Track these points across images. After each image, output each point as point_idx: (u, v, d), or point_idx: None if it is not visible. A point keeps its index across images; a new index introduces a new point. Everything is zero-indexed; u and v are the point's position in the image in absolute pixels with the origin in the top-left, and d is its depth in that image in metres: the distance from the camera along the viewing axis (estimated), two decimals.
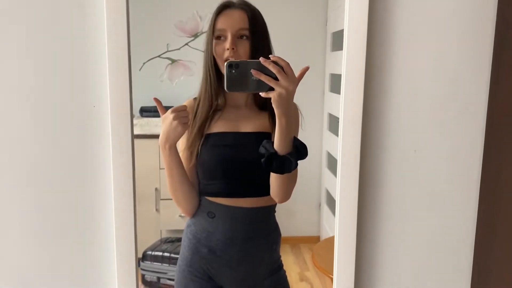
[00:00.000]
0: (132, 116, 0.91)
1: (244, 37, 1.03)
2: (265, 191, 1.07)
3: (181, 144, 1.10)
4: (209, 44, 1.06)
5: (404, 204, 1.00)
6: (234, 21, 1.03)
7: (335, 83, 1.56)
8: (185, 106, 1.02)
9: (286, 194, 1.06)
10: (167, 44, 1.36)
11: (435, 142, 0.98)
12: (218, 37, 1.04)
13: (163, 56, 1.36)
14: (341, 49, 1.49)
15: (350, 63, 0.90)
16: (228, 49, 1.02)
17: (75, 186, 0.93)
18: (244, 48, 1.03)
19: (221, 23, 1.04)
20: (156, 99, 1.00)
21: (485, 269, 1.01)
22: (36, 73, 0.89)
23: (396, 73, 0.94)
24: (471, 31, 0.95)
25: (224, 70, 0.87)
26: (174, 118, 1.00)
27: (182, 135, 1.02)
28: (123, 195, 0.91)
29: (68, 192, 0.93)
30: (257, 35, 1.04)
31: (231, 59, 0.92)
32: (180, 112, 1.00)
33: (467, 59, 0.96)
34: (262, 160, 0.95)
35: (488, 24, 0.94)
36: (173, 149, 1.05)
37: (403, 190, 0.99)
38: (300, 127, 1.08)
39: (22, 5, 0.86)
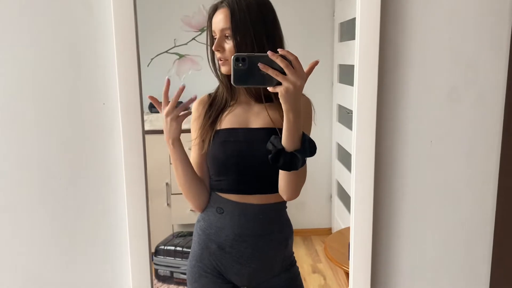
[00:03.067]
0: (142, 113, 0.91)
1: (228, 37, 1.01)
2: (274, 188, 1.06)
3: (193, 134, 1.11)
4: (207, 44, 1.07)
5: (421, 197, 0.97)
6: (219, 22, 1.02)
7: (344, 73, 1.55)
8: (175, 100, 1.01)
9: (294, 191, 1.04)
10: (175, 39, 1.36)
11: (452, 133, 0.95)
12: (214, 38, 1.04)
13: (170, 51, 1.36)
14: (349, 39, 1.47)
15: (363, 53, 0.88)
16: (213, 50, 1.03)
17: (87, 185, 0.93)
18: (229, 47, 1.01)
19: (213, 25, 1.04)
20: (150, 97, 1.01)
21: (504, 263, 0.99)
22: (45, 72, 0.89)
23: (410, 62, 0.92)
24: (488, 19, 0.92)
25: (231, 64, 0.86)
26: (166, 115, 1.01)
27: (180, 128, 1.03)
28: (135, 192, 0.91)
29: (79, 190, 0.94)
30: (238, 32, 1.00)
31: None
32: (170, 109, 1.00)
33: (484, 47, 0.93)
34: (269, 156, 0.94)
35: (505, 11, 0.91)
36: (176, 143, 1.05)
37: (420, 182, 0.97)
38: (313, 121, 1.07)
39: (30, 4, 0.87)
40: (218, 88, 1.10)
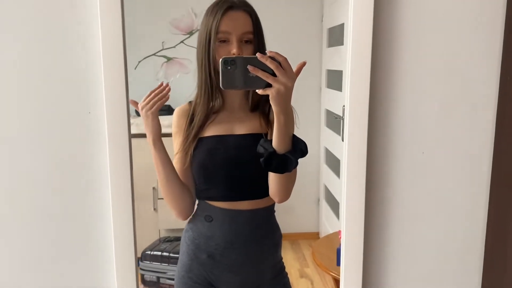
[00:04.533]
0: (129, 120, 0.90)
1: (248, 42, 0.99)
2: (264, 192, 1.05)
3: (176, 147, 1.09)
4: (207, 47, 1.00)
5: (412, 207, 0.98)
6: (239, 24, 0.98)
7: (332, 79, 1.55)
8: (150, 93, 0.99)
9: (286, 193, 1.03)
10: (163, 42, 1.35)
11: (444, 144, 0.95)
12: (222, 41, 0.99)
13: (158, 54, 1.36)
14: (337, 44, 1.48)
15: (355, 62, 0.87)
16: (234, 54, 0.98)
17: (73, 192, 0.92)
18: (248, 53, 0.98)
19: (225, 26, 0.98)
20: (132, 101, 0.99)
21: (495, 271, 0.99)
22: (31, 80, 0.87)
23: (403, 73, 0.92)
24: (480, 31, 0.92)
25: (220, 67, 0.84)
26: (141, 108, 0.99)
27: (158, 122, 1.01)
28: (121, 199, 0.89)
29: (66, 197, 0.92)
30: (260, 38, 1.01)
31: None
32: (145, 102, 0.98)
33: (476, 58, 0.93)
34: (261, 159, 0.93)
35: (497, 23, 0.92)
36: (158, 143, 1.02)
37: (411, 193, 0.97)
38: (295, 125, 1.06)
39: (15, 10, 0.85)
40: (200, 95, 1.06)
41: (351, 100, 0.89)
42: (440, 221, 0.97)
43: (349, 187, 0.91)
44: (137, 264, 0.93)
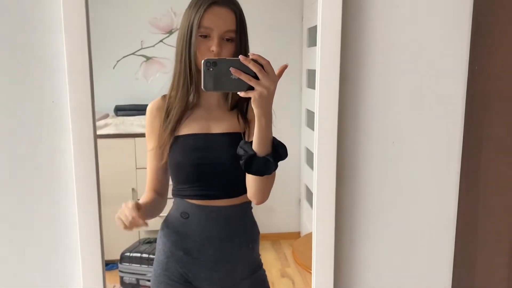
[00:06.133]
0: (94, 117, 0.86)
1: (230, 40, 0.98)
2: (240, 191, 1.05)
3: (151, 143, 1.07)
4: (188, 40, 0.99)
5: (383, 197, 0.99)
6: (221, 21, 0.97)
7: (312, 78, 1.56)
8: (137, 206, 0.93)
9: (264, 195, 1.03)
10: (141, 41, 1.33)
11: (414, 134, 0.97)
12: (202, 35, 0.98)
13: (137, 53, 1.34)
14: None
15: (324, 56, 0.89)
16: (213, 50, 0.97)
17: (36, 187, 0.88)
18: (229, 51, 0.97)
19: (207, 21, 0.97)
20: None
21: (465, 263, 1.02)
22: None
23: (372, 65, 0.93)
24: (449, 21, 0.94)
25: (201, 68, 0.84)
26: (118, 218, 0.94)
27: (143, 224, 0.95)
28: (87, 197, 0.86)
29: (28, 194, 0.89)
30: (242, 37, 0.99)
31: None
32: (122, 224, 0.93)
33: (444, 49, 0.95)
34: (241, 162, 0.93)
35: (466, 13, 0.94)
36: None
37: (382, 183, 0.98)
38: (273, 125, 1.06)
39: None
40: (176, 88, 1.03)
41: (321, 95, 0.90)
42: (411, 211, 1.00)
43: (319, 181, 0.92)
44: (104, 270, 0.90)
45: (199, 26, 0.97)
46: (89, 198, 0.86)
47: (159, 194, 1.08)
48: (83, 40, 0.82)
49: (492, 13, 0.91)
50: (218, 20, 0.97)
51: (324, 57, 0.88)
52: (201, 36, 0.97)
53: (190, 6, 1.00)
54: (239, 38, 0.98)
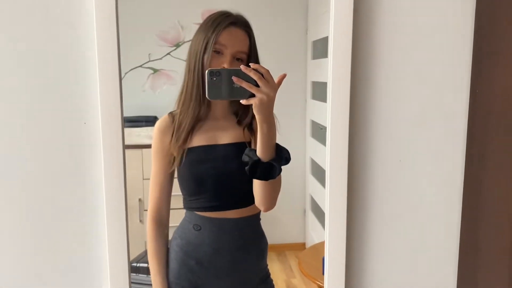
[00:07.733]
0: (123, 130, 0.91)
1: (240, 60, 1.03)
2: (250, 200, 1.07)
3: (159, 161, 1.09)
4: (202, 54, 1.03)
5: (390, 213, 1.02)
6: (236, 40, 1.03)
7: (317, 90, 1.58)
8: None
9: (271, 202, 1.06)
10: (149, 54, 1.36)
11: (419, 151, 1.01)
12: (216, 51, 1.03)
13: (145, 66, 1.36)
14: (322, 57, 1.51)
15: (335, 73, 0.92)
16: (224, 66, 1.01)
17: (67, 203, 0.93)
18: None
19: (223, 39, 1.02)
20: None
21: (470, 274, 1.02)
22: (26, 90, 0.89)
23: (381, 85, 0.97)
24: (452, 45, 0.98)
25: (206, 78, 0.89)
26: None
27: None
28: (116, 211, 0.90)
29: (60, 209, 0.93)
30: (253, 58, 1.05)
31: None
32: None
33: (448, 69, 0.99)
34: (246, 168, 0.96)
35: (467, 37, 0.98)
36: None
37: (389, 199, 1.01)
38: (277, 131, 1.08)
39: (11, 23, 0.86)
40: (189, 101, 1.07)
41: (333, 113, 0.92)
42: (417, 226, 1.02)
43: (331, 195, 0.94)
44: (130, 276, 0.93)
45: (215, 43, 1.00)
46: (118, 210, 0.91)
47: (163, 225, 1.10)
48: (114, 60, 0.90)
49: (493, 36, 0.94)
50: (234, 40, 1.02)
51: (335, 73, 0.92)
52: (214, 51, 1.01)
53: (206, 23, 1.04)
54: (248, 60, 1.02)
